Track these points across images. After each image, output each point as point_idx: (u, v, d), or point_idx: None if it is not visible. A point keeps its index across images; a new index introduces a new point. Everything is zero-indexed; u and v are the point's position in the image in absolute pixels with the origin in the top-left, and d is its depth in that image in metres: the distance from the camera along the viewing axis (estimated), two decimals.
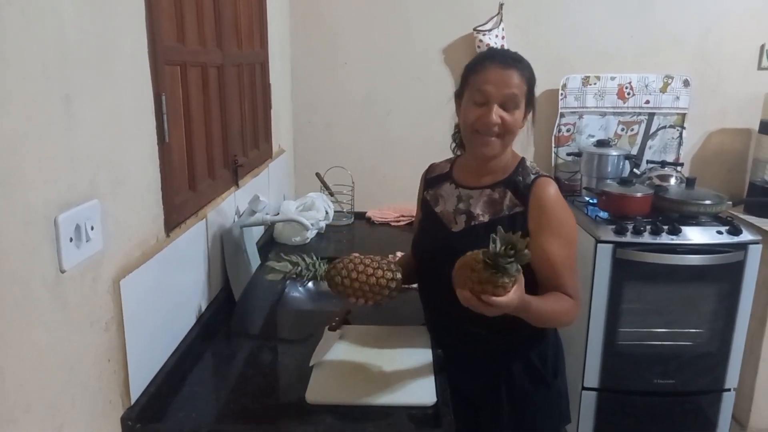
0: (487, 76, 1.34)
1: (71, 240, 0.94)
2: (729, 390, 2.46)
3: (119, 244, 1.11)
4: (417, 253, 1.55)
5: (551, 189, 1.38)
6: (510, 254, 1.07)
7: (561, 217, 1.37)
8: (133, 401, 1.15)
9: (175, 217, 1.38)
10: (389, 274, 1.37)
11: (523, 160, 1.45)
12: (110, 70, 1.07)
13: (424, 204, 1.56)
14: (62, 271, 0.92)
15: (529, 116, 1.42)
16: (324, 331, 1.53)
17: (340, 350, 1.45)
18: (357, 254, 1.40)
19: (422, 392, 1.27)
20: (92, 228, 1.00)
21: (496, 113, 1.32)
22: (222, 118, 1.77)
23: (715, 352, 2.42)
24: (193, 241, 1.50)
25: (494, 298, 1.10)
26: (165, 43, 1.30)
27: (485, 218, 1.41)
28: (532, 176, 1.39)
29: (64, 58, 0.91)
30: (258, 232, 2.17)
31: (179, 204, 1.41)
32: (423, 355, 1.42)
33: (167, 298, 1.33)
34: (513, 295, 1.11)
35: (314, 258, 1.43)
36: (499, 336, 1.42)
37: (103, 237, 1.04)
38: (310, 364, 1.38)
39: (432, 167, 1.62)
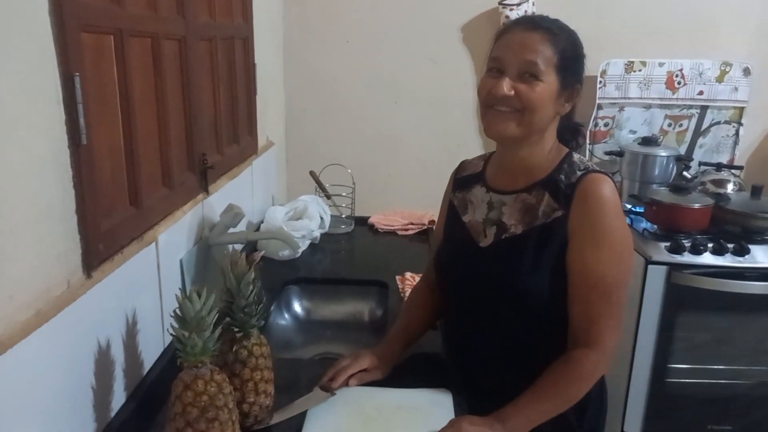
0: (505, 41, 1.12)
1: None
2: None
3: None
4: (439, 271, 1.29)
5: (605, 188, 1.08)
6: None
7: (613, 225, 1.08)
8: None
9: (102, 249, 0.98)
10: None
11: (570, 154, 1.17)
12: None
13: (451, 210, 1.30)
14: None
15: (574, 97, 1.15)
16: (314, 389, 1.16)
17: (332, 425, 1.07)
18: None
19: None
20: None
21: (508, 84, 1.08)
22: (185, 107, 1.36)
23: None
24: (136, 275, 1.10)
25: None
26: (82, 1, 0.89)
27: (518, 230, 1.14)
28: (579, 173, 1.11)
29: None
30: (237, 246, 1.77)
31: (112, 228, 1.01)
32: None
33: (86, 368, 0.94)
34: None
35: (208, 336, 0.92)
36: (529, 380, 1.09)
37: None
38: (271, 422, 1.07)
39: (463, 165, 1.35)
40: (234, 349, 1.02)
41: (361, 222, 2.30)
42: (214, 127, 1.60)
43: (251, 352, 1.02)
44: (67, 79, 0.86)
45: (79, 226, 0.91)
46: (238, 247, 1.74)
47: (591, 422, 1.20)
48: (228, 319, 1.01)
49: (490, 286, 1.16)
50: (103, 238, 0.98)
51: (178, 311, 0.91)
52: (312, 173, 2.21)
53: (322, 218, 2.05)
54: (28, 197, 0.79)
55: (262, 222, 1.98)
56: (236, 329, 1.01)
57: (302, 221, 1.95)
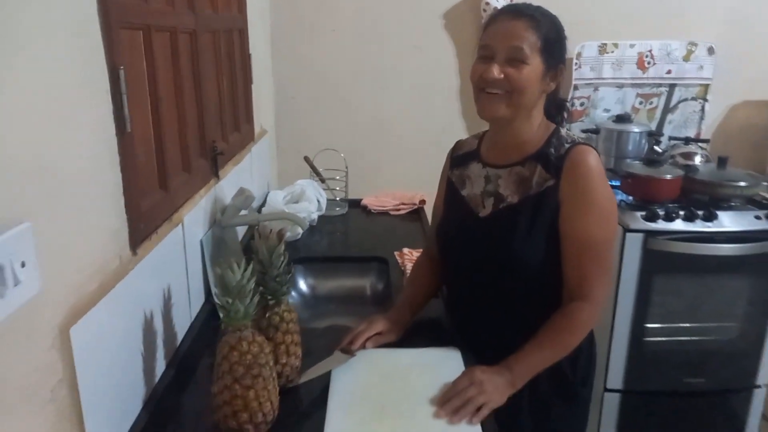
0: (492, 29, 1.23)
1: None
2: (759, 387, 2.27)
3: (66, 278, 0.80)
4: (442, 244, 1.40)
5: (590, 157, 1.21)
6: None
7: (599, 192, 1.20)
8: None
9: (143, 228, 1.07)
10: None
11: (557, 129, 1.29)
12: (34, 34, 0.74)
13: (449, 186, 1.41)
14: None
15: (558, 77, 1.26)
16: (335, 352, 1.26)
17: (355, 383, 1.18)
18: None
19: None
20: (23, 264, 0.69)
21: (497, 68, 1.19)
22: (197, 96, 1.44)
23: (748, 348, 2.21)
24: (168, 254, 1.19)
25: None
26: (120, 0, 0.97)
27: (514, 199, 1.25)
28: (567, 145, 1.23)
29: None
30: (242, 228, 1.86)
31: (148, 210, 1.10)
32: None
33: (136, 336, 1.03)
34: None
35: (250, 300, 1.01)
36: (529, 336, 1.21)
37: (41, 274, 0.73)
38: (300, 381, 1.17)
39: (459, 144, 1.46)
40: (267, 315, 1.12)
41: (354, 204, 2.40)
42: (219, 116, 1.68)
43: (282, 317, 1.13)
44: (114, 72, 0.94)
45: (126, 206, 1.00)
46: (242, 229, 1.83)
47: (582, 371, 1.34)
48: (261, 288, 1.11)
49: (491, 254, 1.28)
50: (143, 218, 1.07)
51: (220, 281, 1.00)
52: (306, 158, 2.29)
53: (318, 201, 2.15)
54: (89, 180, 0.88)
55: (262, 206, 2.06)
56: (269, 297, 1.11)
57: (302, 204, 2.05)
